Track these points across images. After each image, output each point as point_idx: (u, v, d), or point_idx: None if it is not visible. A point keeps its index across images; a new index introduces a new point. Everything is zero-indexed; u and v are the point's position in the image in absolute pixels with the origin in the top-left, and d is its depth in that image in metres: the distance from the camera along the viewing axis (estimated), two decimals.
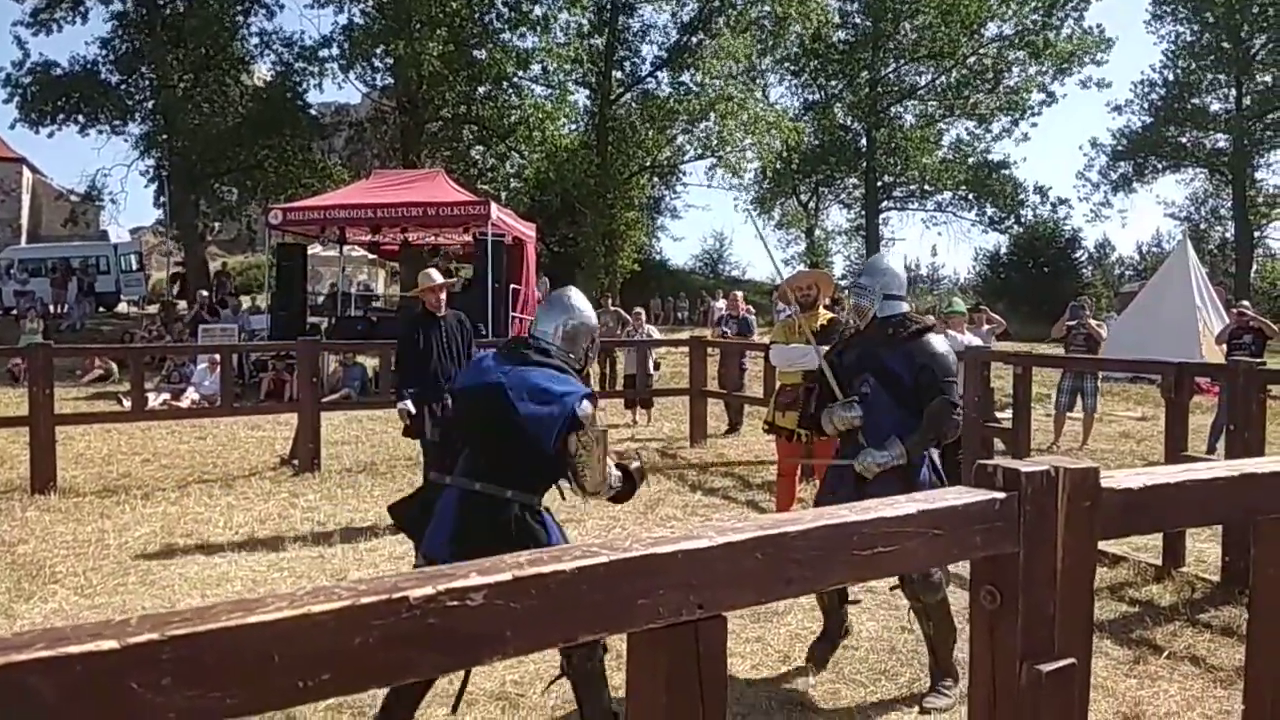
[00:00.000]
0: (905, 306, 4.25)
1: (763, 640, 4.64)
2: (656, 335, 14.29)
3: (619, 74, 30.69)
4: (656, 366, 13.52)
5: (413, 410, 6.93)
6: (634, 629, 1.17)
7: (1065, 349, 11.59)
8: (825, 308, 6.51)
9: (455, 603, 1.02)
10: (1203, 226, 39.69)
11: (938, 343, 4.10)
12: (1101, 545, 5.54)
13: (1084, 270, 41.88)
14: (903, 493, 4.18)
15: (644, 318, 14.94)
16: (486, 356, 3.65)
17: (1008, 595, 1.52)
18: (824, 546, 1.31)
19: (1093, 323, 11.43)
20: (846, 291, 4.83)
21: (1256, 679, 1.95)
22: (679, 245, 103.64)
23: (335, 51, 26.43)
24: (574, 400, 3.23)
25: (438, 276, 7.38)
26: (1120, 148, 38.82)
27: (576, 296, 3.71)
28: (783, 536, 1.27)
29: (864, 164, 39.08)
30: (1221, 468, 1.80)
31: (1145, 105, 38.39)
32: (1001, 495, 1.49)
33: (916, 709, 3.90)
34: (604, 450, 3.26)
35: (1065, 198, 41.87)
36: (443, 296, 7.21)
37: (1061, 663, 1.52)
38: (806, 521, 1.31)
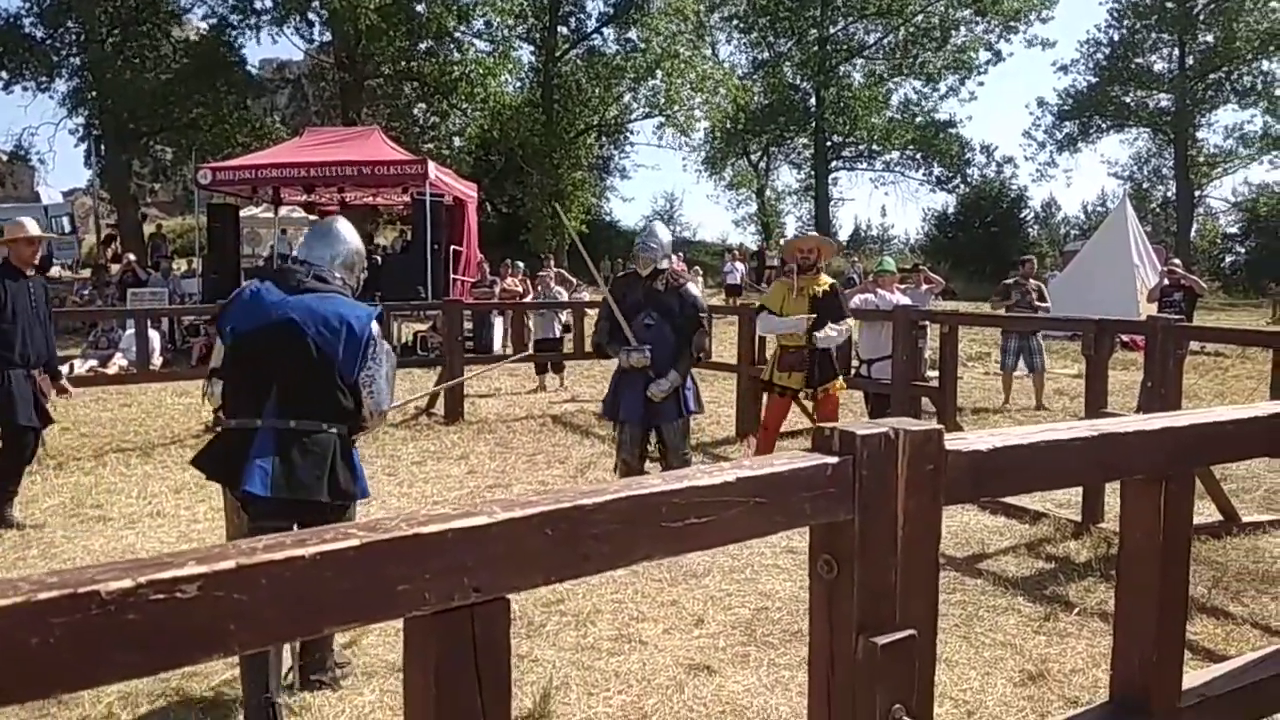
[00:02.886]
0: (668, 264, 5.81)
1: (678, 603, 4.59)
2: (565, 297, 14.14)
3: (564, 30, 30.17)
4: (567, 329, 13.32)
5: (15, 392, 5.81)
6: (394, 617, 1.06)
7: (1007, 310, 11.61)
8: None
9: (161, 595, 0.90)
10: (1145, 186, 40.27)
11: (696, 290, 5.94)
12: (1022, 501, 5.63)
13: (1030, 229, 42.29)
14: (675, 404, 5.24)
15: (552, 279, 14.81)
16: (261, 289, 3.50)
17: (844, 565, 1.44)
18: (627, 519, 1.21)
19: (1031, 283, 11.40)
20: (637, 247, 5.83)
21: (1125, 646, 1.91)
22: (629, 206, 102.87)
23: (269, 3, 25.62)
24: (368, 323, 3.44)
25: (33, 227, 6.13)
26: (1065, 107, 39.09)
27: (343, 226, 3.84)
28: (577, 510, 1.17)
29: (813, 124, 38.93)
30: (1082, 427, 1.73)
31: (1090, 65, 38.65)
32: (834, 460, 1.40)
33: None
34: (392, 370, 3.56)
35: (1011, 157, 42.18)
36: (38, 251, 6.06)
37: (899, 635, 1.44)
38: (608, 493, 1.20)
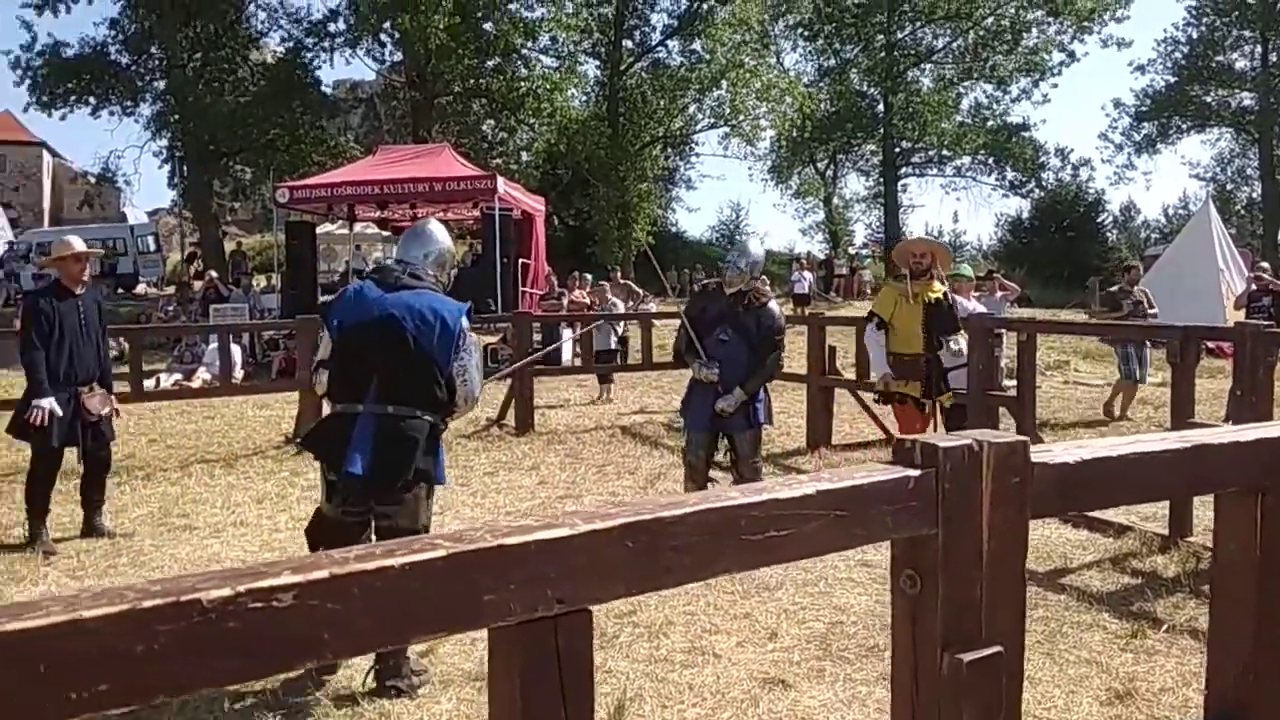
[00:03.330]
0: (755, 283, 5.82)
1: (751, 616, 4.55)
2: (621, 308, 14.32)
3: (629, 43, 30.37)
4: (623, 342, 13.50)
5: (59, 411, 5.74)
6: (480, 627, 1.08)
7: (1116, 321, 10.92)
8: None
9: (259, 604, 0.93)
10: (1229, 187, 39.04)
11: (776, 310, 5.83)
12: (1105, 514, 5.47)
13: (1108, 234, 41.26)
14: (744, 416, 5.22)
15: (608, 291, 14.94)
16: (364, 287, 3.90)
17: (927, 580, 1.41)
18: (707, 532, 1.21)
19: (1137, 290, 10.72)
20: (727, 264, 5.90)
21: (1220, 663, 1.84)
22: (695, 216, 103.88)
23: (342, 26, 26.31)
24: (459, 316, 3.76)
25: (79, 244, 6.12)
26: (1143, 108, 38.08)
27: (436, 227, 4.17)
28: (658, 522, 1.17)
29: (881, 130, 38.49)
30: (1173, 439, 1.67)
31: (1169, 64, 37.60)
32: (916, 473, 1.38)
33: None
34: (481, 359, 3.89)
35: (1087, 159, 41.15)
36: (85, 268, 6.02)
37: (985, 651, 1.41)
38: (687, 505, 1.20)
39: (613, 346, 13.15)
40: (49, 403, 5.74)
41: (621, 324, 13.46)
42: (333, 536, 3.65)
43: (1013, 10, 36.62)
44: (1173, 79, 37.36)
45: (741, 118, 29.32)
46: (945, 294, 6.64)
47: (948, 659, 1.40)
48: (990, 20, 36.68)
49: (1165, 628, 4.33)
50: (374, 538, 3.79)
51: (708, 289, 6.12)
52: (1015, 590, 1.49)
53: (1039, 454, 1.49)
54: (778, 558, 1.29)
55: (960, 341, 6.53)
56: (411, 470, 3.69)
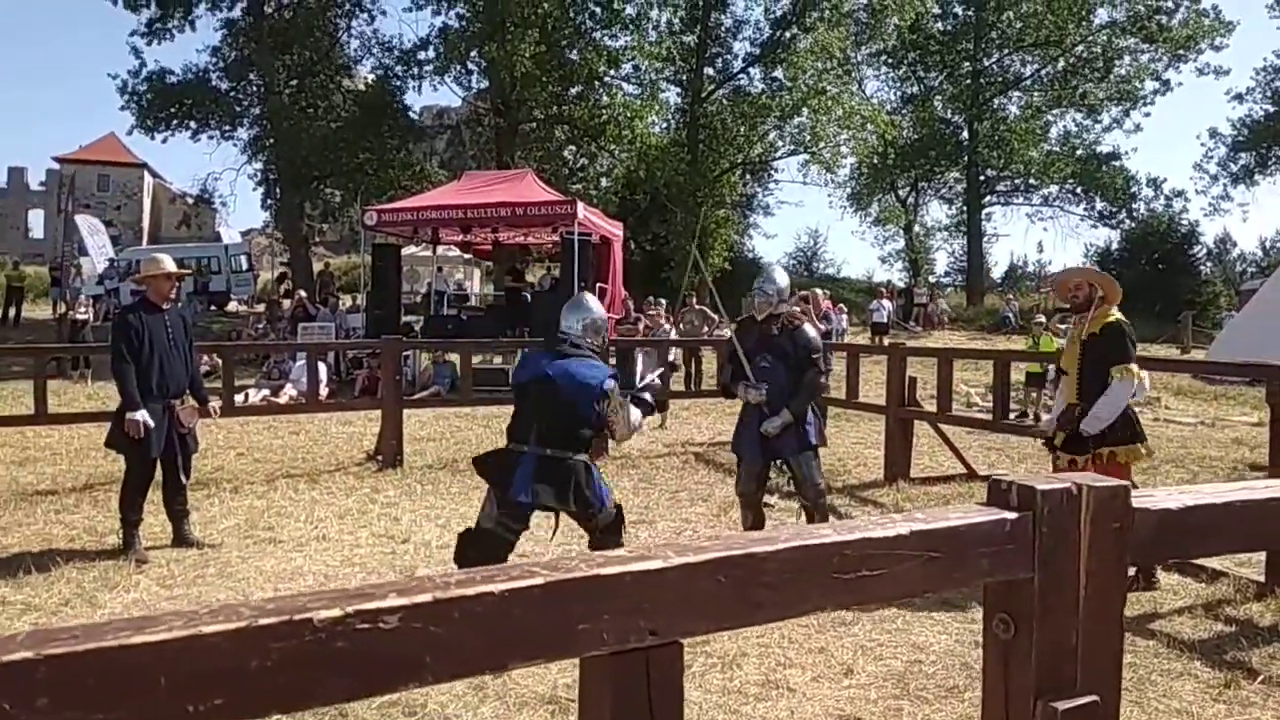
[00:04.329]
0: (785, 308, 5.92)
1: (826, 651, 4.49)
2: (673, 335, 14.42)
3: (710, 71, 30.48)
4: (674, 368, 13.60)
5: (150, 424, 5.95)
6: (574, 656, 1.09)
7: None
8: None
9: (366, 625, 0.96)
10: None
11: (810, 331, 5.95)
12: (1200, 560, 5.25)
13: (1202, 267, 39.90)
14: (796, 438, 5.28)
15: (662, 317, 14.95)
16: (538, 354, 4.92)
17: (1022, 625, 1.39)
18: (799, 569, 1.20)
19: None
20: (754, 292, 5.95)
21: None
22: (772, 243, 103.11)
23: (431, 54, 26.98)
24: (603, 379, 4.61)
25: (169, 264, 6.34)
26: (1241, 138, 36.83)
27: (590, 299, 5.09)
28: (750, 558, 1.17)
29: (965, 158, 37.90)
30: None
31: (1268, 92, 36.33)
32: (1013, 515, 1.35)
33: None
34: (626, 412, 4.72)
35: (1181, 190, 39.85)
36: (175, 287, 6.33)
37: (1082, 700, 1.38)
38: (779, 542, 1.20)
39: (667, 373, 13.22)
40: (142, 415, 5.95)
41: (674, 351, 13.56)
42: (484, 543, 4.55)
43: (1105, 38, 35.83)
44: (1272, 108, 36.10)
45: (822, 145, 29.14)
46: (1107, 326, 5.37)
47: (1041, 706, 1.37)
48: (1081, 48, 35.93)
49: (1261, 679, 4.15)
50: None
51: (742, 323, 6.16)
52: (1112, 638, 1.45)
53: (1140, 499, 1.45)
54: (869, 597, 1.28)
55: (1097, 409, 5.30)
56: (572, 502, 4.51)
